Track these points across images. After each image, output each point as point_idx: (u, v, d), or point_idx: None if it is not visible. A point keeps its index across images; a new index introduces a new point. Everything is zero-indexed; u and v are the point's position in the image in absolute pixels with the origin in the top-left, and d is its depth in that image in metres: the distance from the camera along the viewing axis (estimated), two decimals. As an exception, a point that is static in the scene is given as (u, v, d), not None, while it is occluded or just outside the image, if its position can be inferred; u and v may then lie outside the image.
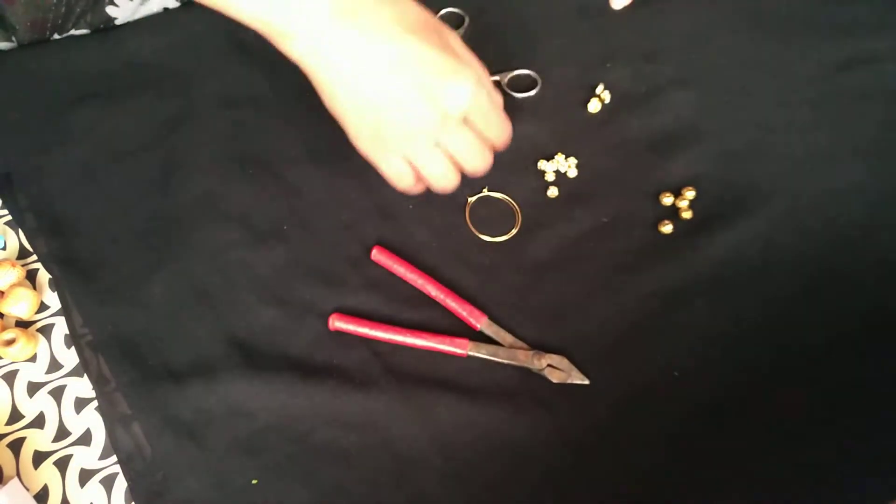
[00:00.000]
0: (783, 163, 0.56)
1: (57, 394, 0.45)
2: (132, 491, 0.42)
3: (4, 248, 0.50)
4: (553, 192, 0.54)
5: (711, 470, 0.43)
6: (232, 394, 0.44)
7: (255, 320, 0.47)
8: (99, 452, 0.43)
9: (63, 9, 0.56)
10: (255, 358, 0.46)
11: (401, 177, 0.45)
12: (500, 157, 0.56)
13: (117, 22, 0.60)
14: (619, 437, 0.44)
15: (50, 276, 0.49)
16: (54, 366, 0.46)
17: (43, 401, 0.45)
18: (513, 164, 0.56)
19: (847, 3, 0.66)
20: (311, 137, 0.55)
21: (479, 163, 0.46)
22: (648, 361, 0.47)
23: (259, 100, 0.57)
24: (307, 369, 0.46)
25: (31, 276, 0.49)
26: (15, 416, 0.44)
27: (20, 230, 0.51)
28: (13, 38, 0.57)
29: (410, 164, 0.45)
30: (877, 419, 0.45)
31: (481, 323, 0.48)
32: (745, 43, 0.63)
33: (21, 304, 0.47)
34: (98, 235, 0.50)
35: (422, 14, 0.41)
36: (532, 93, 0.59)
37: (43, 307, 0.48)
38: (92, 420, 0.44)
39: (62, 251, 0.49)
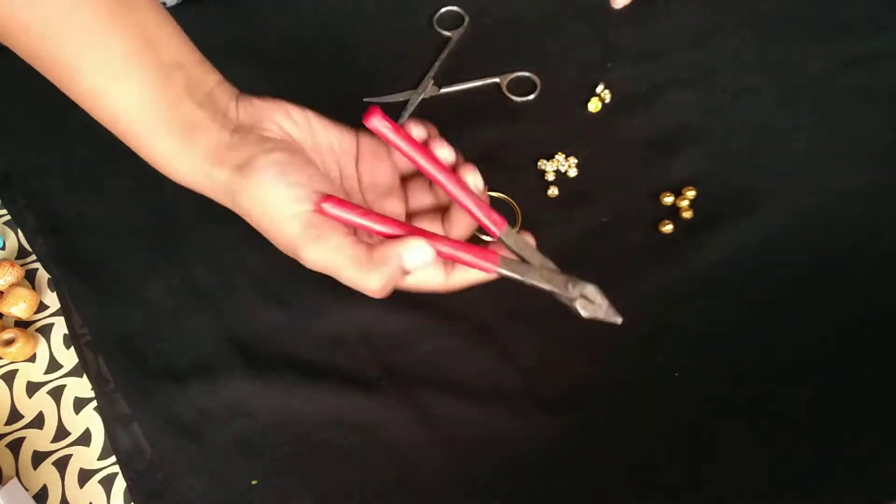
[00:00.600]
0: (784, 163, 0.56)
1: (56, 394, 0.45)
2: (131, 491, 0.42)
3: (3, 248, 0.50)
4: (553, 191, 0.54)
5: (711, 470, 0.43)
6: (232, 394, 0.44)
7: (255, 320, 0.47)
8: (98, 452, 0.43)
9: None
10: (254, 358, 0.46)
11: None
12: (500, 157, 0.56)
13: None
14: (619, 436, 0.44)
15: (49, 276, 0.49)
16: (53, 366, 0.46)
17: (42, 401, 0.45)
18: (513, 164, 0.56)
19: (848, 3, 0.66)
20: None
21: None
22: (648, 361, 0.47)
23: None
24: (307, 369, 0.46)
25: (31, 276, 0.49)
26: (14, 416, 0.44)
27: (19, 230, 0.51)
28: None
29: None
30: (877, 419, 0.45)
31: (502, 230, 0.38)
32: (746, 42, 0.63)
33: (20, 304, 0.47)
34: (97, 235, 0.50)
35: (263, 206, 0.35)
36: (531, 96, 0.59)
37: (42, 307, 0.48)
38: (91, 420, 0.44)
39: (61, 251, 0.49)
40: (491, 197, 0.54)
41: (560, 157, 0.56)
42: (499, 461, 0.43)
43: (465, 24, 0.63)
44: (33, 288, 0.49)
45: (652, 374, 0.46)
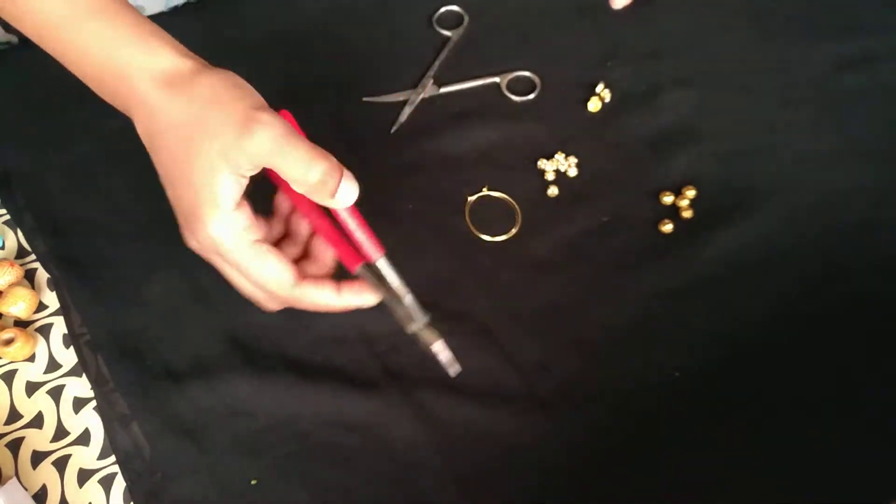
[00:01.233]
0: (784, 162, 0.56)
1: (55, 393, 0.45)
2: (131, 491, 0.42)
3: (3, 248, 0.50)
4: (553, 191, 0.54)
5: (712, 469, 0.43)
6: (231, 394, 0.44)
7: (254, 320, 0.47)
8: (97, 452, 0.43)
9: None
10: (254, 358, 0.46)
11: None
12: (500, 157, 0.56)
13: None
14: (619, 436, 0.44)
15: (48, 276, 0.49)
16: (53, 365, 0.46)
17: (41, 400, 0.45)
18: (513, 164, 0.56)
19: (847, 3, 0.66)
20: (310, 138, 0.55)
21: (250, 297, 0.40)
22: (648, 361, 0.47)
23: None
24: (307, 369, 0.46)
25: (30, 276, 0.49)
26: (13, 415, 0.44)
27: (19, 230, 0.51)
28: (13, 36, 0.57)
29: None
30: (877, 418, 0.45)
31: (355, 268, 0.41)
32: (746, 42, 0.63)
33: (19, 304, 0.47)
34: (97, 235, 0.50)
35: (194, 154, 0.36)
36: (531, 96, 0.59)
37: (41, 307, 0.48)
38: (91, 420, 0.44)
39: (61, 251, 0.49)
40: (491, 196, 0.54)
41: (560, 156, 0.56)
42: (498, 461, 0.43)
43: (465, 23, 0.63)
44: (33, 288, 0.49)
45: (652, 373, 0.46)
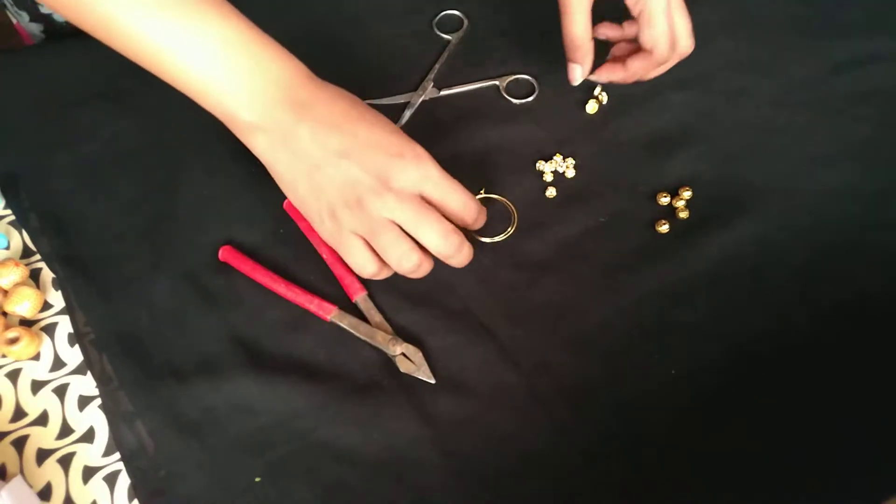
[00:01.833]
0: (779, 163, 0.57)
1: (60, 392, 0.46)
2: (135, 488, 0.42)
3: (8, 248, 0.51)
4: (551, 192, 0.55)
5: (711, 469, 0.43)
6: (235, 392, 0.45)
7: (258, 319, 0.48)
8: (102, 450, 0.44)
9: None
10: (258, 356, 0.46)
11: (362, 263, 0.45)
12: (499, 158, 0.57)
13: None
14: (619, 436, 0.44)
15: (53, 275, 0.49)
16: (58, 364, 0.46)
17: (46, 399, 0.45)
18: (511, 165, 0.56)
19: (843, 5, 0.67)
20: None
21: (437, 242, 0.44)
22: (647, 361, 0.47)
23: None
24: (310, 368, 0.46)
25: (35, 275, 0.50)
26: (18, 413, 0.45)
27: (24, 229, 0.51)
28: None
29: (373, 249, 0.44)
30: (876, 418, 0.45)
31: (358, 297, 0.49)
32: (742, 44, 0.64)
33: (24, 303, 0.47)
34: (101, 234, 0.51)
35: (365, 107, 0.46)
36: (530, 98, 0.60)
37: (46, 306, 0.49)
38: (95, 418, 0.45)
39: (65, 250, 0.50)
40: (488, 199, 0.54)
41: (558, 158, 0.56)
42: (498, 460, 0.43)
43: (465, 27, 0.64)
44: (38, 287, 0.49)
45: (651, 373, 0.47)
